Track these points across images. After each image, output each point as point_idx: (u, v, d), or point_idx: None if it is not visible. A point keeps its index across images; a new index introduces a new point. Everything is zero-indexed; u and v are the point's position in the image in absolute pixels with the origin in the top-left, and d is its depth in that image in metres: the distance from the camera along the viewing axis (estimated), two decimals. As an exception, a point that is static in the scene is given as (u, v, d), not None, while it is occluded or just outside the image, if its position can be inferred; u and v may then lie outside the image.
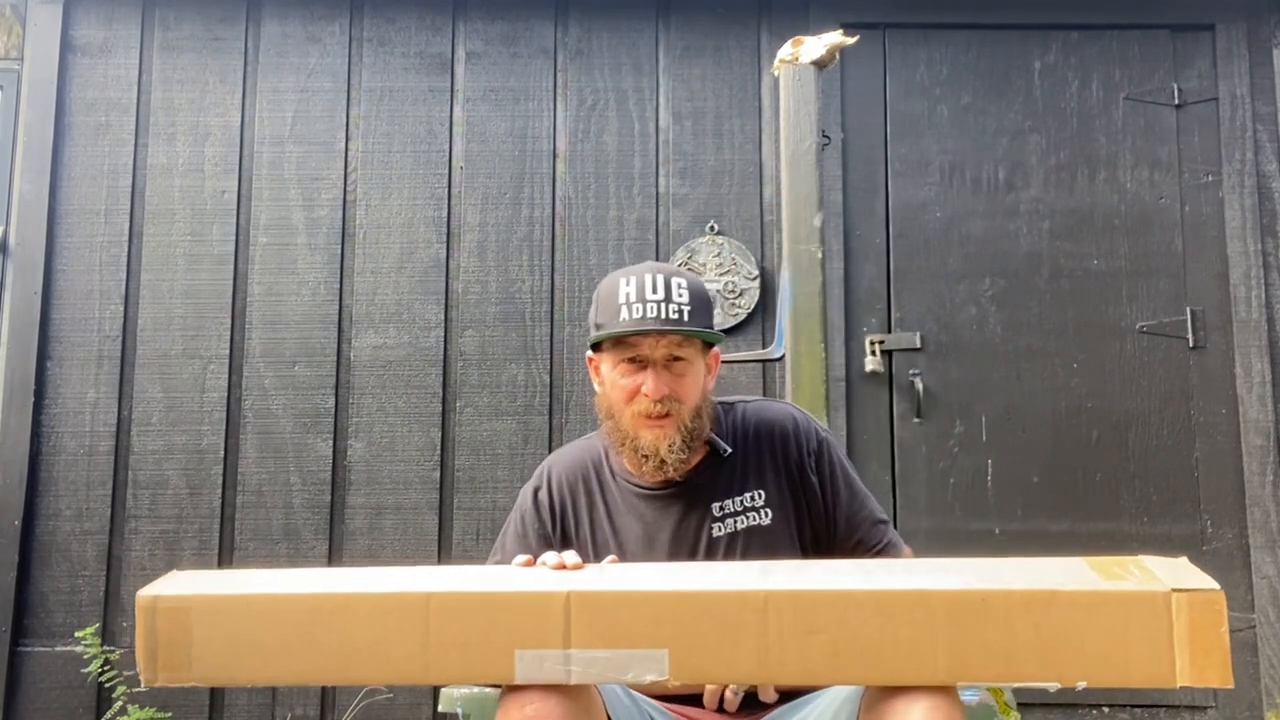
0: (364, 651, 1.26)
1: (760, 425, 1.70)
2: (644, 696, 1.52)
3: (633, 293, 1.58)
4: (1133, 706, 3.09)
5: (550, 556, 1.40)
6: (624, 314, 1.58)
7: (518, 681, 1.24)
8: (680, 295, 1.58)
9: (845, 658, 1.21)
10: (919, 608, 1.21)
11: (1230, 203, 3.28)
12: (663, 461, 1.60)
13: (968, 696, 1.35)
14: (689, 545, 1.64)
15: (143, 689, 3.00)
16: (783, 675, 1.25)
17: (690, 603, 1.25)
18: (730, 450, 1.67)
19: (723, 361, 1.79)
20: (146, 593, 1.29)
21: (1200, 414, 3.20)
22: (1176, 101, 3.34)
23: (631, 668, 1.23)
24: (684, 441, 1.60)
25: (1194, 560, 3.26)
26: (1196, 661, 1.16)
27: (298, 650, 1.26)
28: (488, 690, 1.39)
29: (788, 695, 1.54)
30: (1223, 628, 1.16)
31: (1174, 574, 1.21)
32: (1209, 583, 1.19)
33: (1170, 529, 3.15)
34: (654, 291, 1.58)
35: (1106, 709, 3.09)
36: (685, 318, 1.58)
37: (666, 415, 1.58)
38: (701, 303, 1.62)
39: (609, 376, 1.64)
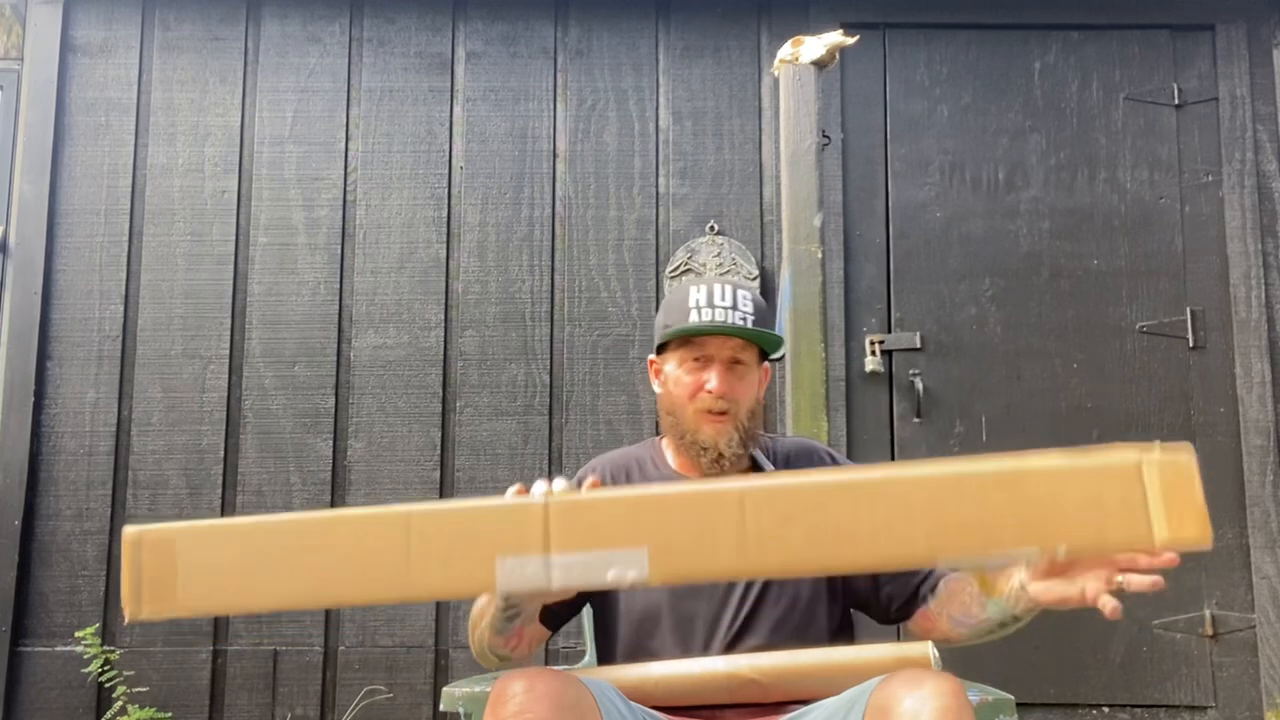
0: (347, 571, 1.26)
1: (794, 448, 1.83)
2: (641, 706, 1.52)
3: (702, 298, 1.69)
4: (1133, 706, 3.09)
5: (540, 484, 1.42)
6: (693, 316, 1.68)
7: (500, 589, 1.25)
8: (745, 305, 1.69)
9: (825, 545, 1.22)
10: (894, 491, 1.23)
11: (1230, 203, 3.28)
12: (720, 455, 1.69)
13: (971, 696, 1.35)
14: None
15: (144, 689, 3.01)
16: (763, 567, 1.26)
17: (667, 503, 1.26)
18: (771, 467, 1.77)
19: None
20: (132, 528, 1.28)
21: (1200, 414, 3.20)
22: (1176, 101, 3.34)
23: (611, 567, 1.23)
24: (740, 440, 1.69)
25: (1194, 560, 3.25)
26: (1173, 521, 1.16)
27: (282, 574, 1.26)
28: (490, 690, 1.39)
29: (792, 703, 1.55)
30: (1195, 486, 1.17)
31: (1148, 449, 1.22)
32: (1181, 450, 1.20)
33: (1170, 529, 3.15)
34: (722, 299, 1.68)
35: (1106, 709, 3.10)
36: (750, 325, 1.69)
37: (725, 413, 1.68)
38: (763, 315, 1.72)
39: (673, 374, 1.72)
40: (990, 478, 1.22)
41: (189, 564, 1.26)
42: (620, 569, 1.22)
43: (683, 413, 1.70)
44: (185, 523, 1.30)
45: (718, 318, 1.67)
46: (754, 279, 3.24)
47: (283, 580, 1.26)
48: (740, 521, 1.22)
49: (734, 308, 1.68)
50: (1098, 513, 1.18)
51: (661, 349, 1.76)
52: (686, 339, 1.70)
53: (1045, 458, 1.22)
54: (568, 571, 1.23)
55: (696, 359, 1.69)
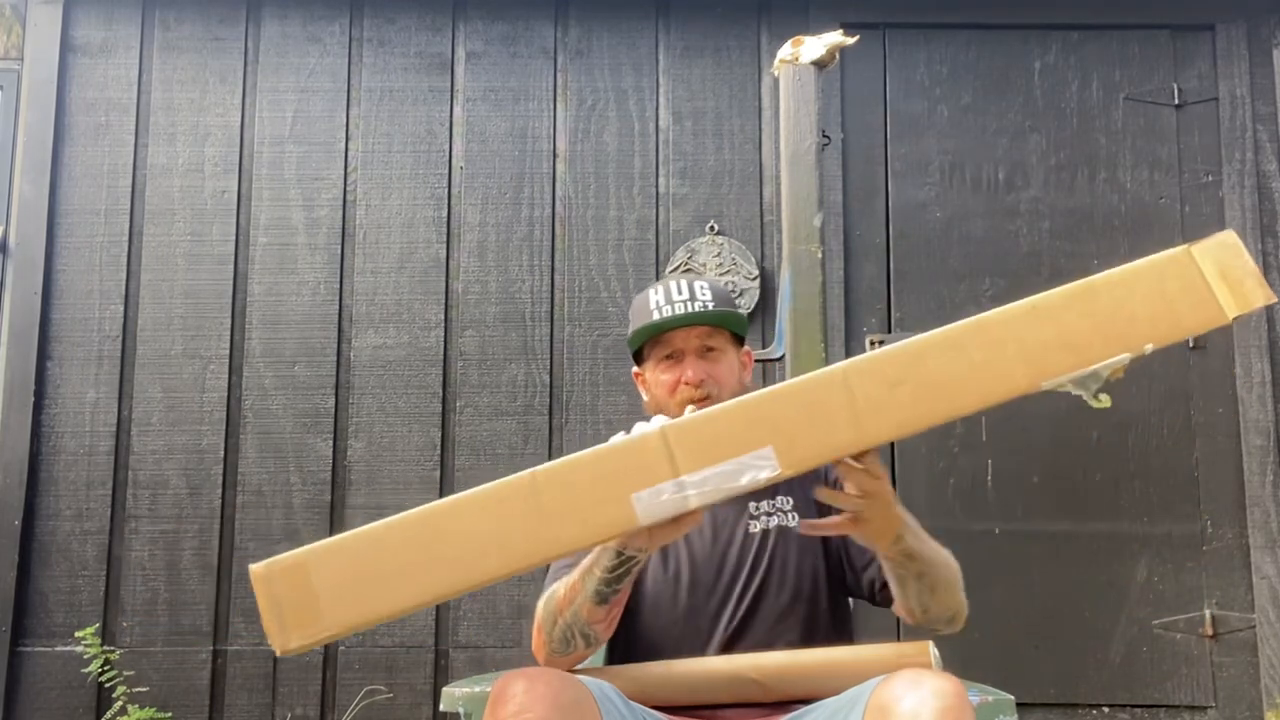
0: (486, 547, 1.27)
1: None
2: (641, 706, 1.52)
3: (661, 298, 1.72)
4: (1133, 706, 3.09)
5: (638, 425, 1.46)
6: (655, 316, 1.71)
7: (641, 522, 1.27)
8: (704, 293, 1.72)
9: (933, 398, 1.29)
10: (980, 333, 1.31)
11: (1230, 203, 3.28)
12: None
13: (971, 696, 1.35)
14: (726, 538, 1.72)
15: (144, 689, 3.01)
16: (882, 432, 1.30)
17: (777, 399, 1.31)
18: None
19: None
20: (259, 564, 1.27)
21: (1200, 414, 3.20)
22: (1176, 101, 3.34)
23: (745, 473, 1.27)
24: None
25: (1194, 560, 3.25)
26: (1236, 293, 1.26)
27: (422, 567, 1.26)
28: (490, 690, 1.39)
29: (793, 703, 1.55)
30: (1245, 257, 1.28)
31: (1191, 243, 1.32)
32: (1222, 233, 1.30)
33: (1170, 529, 3.15)
34: (679, 293, 1.72)
35: (1106, 709, 3.10)
36: (711, 310, 1.71)
37: (707, 397, 1.68)
38: (724, 300, 1.75)
39: (652, 378, 1.75)
40: (1060, 298, 1.31)
41: (327, 584, 1.25)
42: (753, 472, 1.27)
43: (668, 411, 1.71)
44: (312, 545, 1.29)
45: (676, 311, 1.70)
46: (754, 279, 3.24)
47: (426, 574, 1.26)
48: (849, 397, 1.28)
49: (692, 299, 1.70)
50: (1167, 305, 1.28)
51: (639, 359, 1.78)
52: (657, 341, 1.73)
53: (1103, 272, 1.31)
54: (703, 488, 1.27)
55: (668, 356, 1.72)
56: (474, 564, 1.26)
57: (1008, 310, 1.31)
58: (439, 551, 1.26)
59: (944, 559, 1.55)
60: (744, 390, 1.73)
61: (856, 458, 1.33)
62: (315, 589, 1.25)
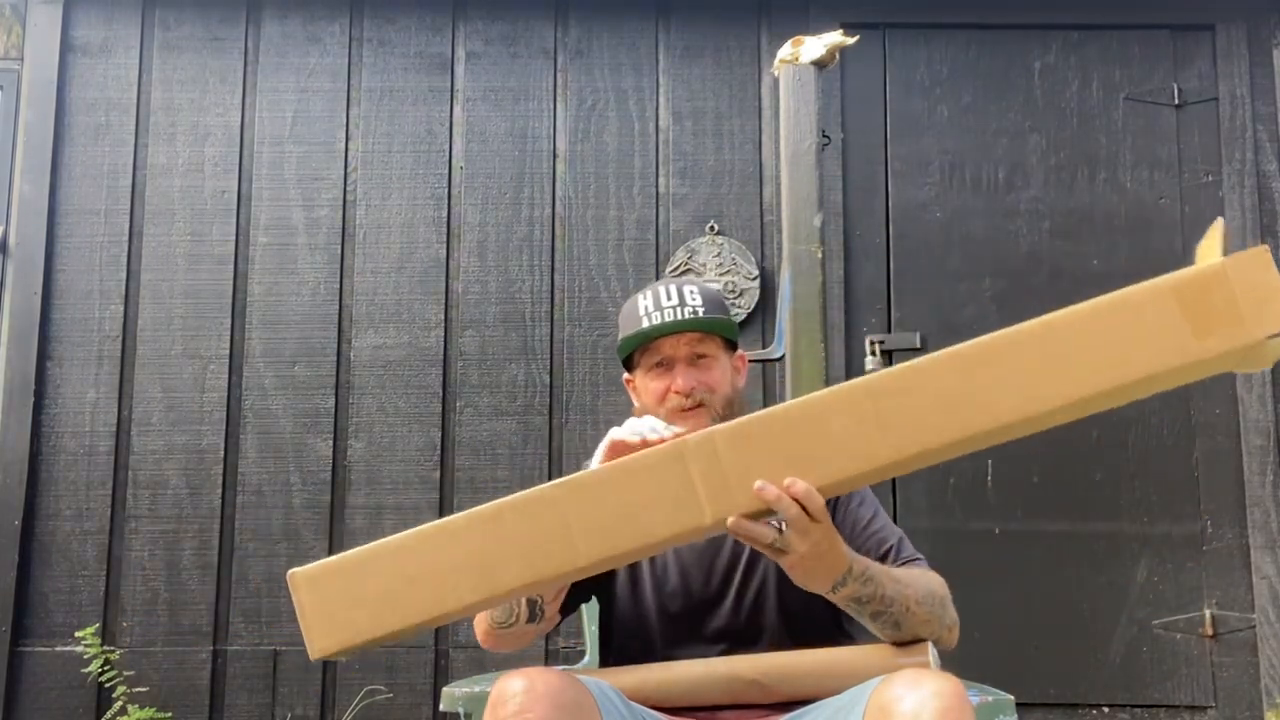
0: (514, 555, 1.30)
1: None
2: (641, 707, 1.52)
3: (650, 304, 1.70)
4: (1133, 706, 3.09)
5: (648, 429, 1.46)
6: (644, 323, 1.69)
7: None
8: (693, 299, 1.69)
9: (945, 413, 1.35)
10: (1015, 344, 1.38)
11: (1230, 203, 3.28)
12: None
13: (971, 696, 1.35)
14: (719, 540, 1.70)
15: (144, 689, 3.01)
16: (896, 446, 1.30)
17: (806, 413, 1.31)
18: None
19: None
20: (297, 570, 1.33)
21: (1200, 414, 3.20)
22: (1176, 101, 3.34)
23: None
24: None
25: (1194, 560, 3.25)
26: (1267, 313, 1.18)
27: (453, 577, 1.30)
28: (489, 690, 1.39)
29: (792, 703, 1.55)
30: (1273, 271, 1.18)
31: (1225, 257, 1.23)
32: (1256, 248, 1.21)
33: (1170, 529, 3.16)
34: (669, 299, 1.69)
35: (1106, 709, 3.10)
36: (701, 316, 1.69)
37: (699, 405, 1.67)
38: (715, 304, 1.72)
39: (642, 385, 1.73)
40: (1091, 310, 1.27)
41: (360, 592, 1.31)
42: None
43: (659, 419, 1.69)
44: (347, 553, 1.34)
45: (666, 318, 1.67)
46: (754, 279, 3.24)
47: (457, 582, 1.30)
48: (870, 409, 1.28)
49: (681, 304, 1.68)
50: (1204, 319, 1.20)
51: (630, 365, 1.76)
52: (646, 348, 1.70)
53: (1138, 285, 1.23)
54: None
55: (659, 364, 1.70)
56: (499, 573, 1.30)
57: (1041, 320, 1.34)
58: (468, 561, 1.30)
59: (911, 594, 1.51)
60: (737, 395, 1.73)
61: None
62: (349, 598, 1.30)
